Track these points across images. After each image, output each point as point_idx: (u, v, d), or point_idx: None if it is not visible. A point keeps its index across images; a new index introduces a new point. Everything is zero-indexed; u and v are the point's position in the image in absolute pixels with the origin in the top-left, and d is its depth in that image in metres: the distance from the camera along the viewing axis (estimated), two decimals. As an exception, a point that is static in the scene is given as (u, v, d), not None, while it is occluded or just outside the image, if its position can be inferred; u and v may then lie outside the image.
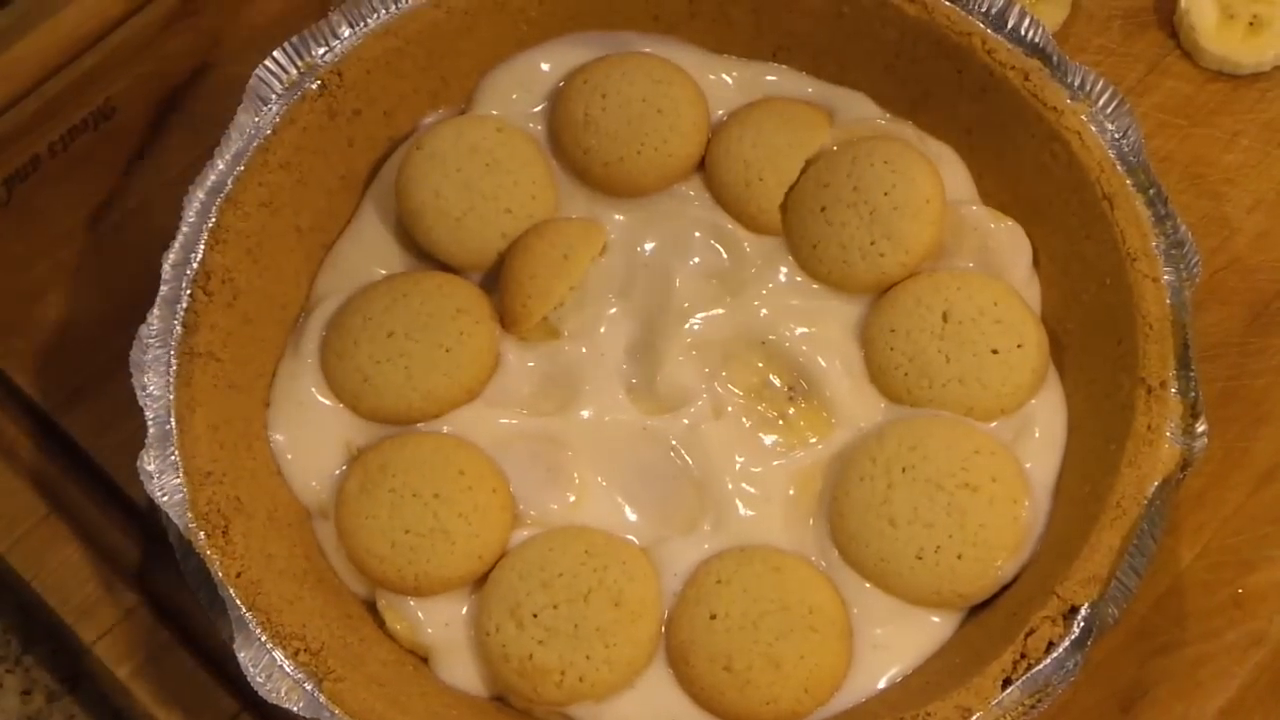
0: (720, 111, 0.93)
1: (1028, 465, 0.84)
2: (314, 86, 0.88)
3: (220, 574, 0.79)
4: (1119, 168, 0.86)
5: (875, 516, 0.83)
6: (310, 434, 0.86)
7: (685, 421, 0.86)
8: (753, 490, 0.85)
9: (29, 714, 0.92)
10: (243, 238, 0.85)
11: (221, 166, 0.86)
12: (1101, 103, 0.87)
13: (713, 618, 0.81)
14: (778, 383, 0.88)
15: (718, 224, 0.91)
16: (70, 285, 0.95)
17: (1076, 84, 0.87)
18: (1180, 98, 1.00)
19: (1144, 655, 0.85)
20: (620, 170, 0.91)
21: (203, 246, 0.84)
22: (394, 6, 0.90)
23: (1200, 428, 0.80)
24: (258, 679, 0.77)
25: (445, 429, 0.86)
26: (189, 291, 0.84)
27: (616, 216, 0.91)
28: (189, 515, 0.79)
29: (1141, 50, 1.01)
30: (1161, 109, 0.99)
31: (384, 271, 0.91)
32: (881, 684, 0.81)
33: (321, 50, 0.89)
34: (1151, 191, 0.85)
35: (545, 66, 0.93)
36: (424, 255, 0.91)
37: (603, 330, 0.88)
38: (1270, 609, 0.86)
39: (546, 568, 0.82)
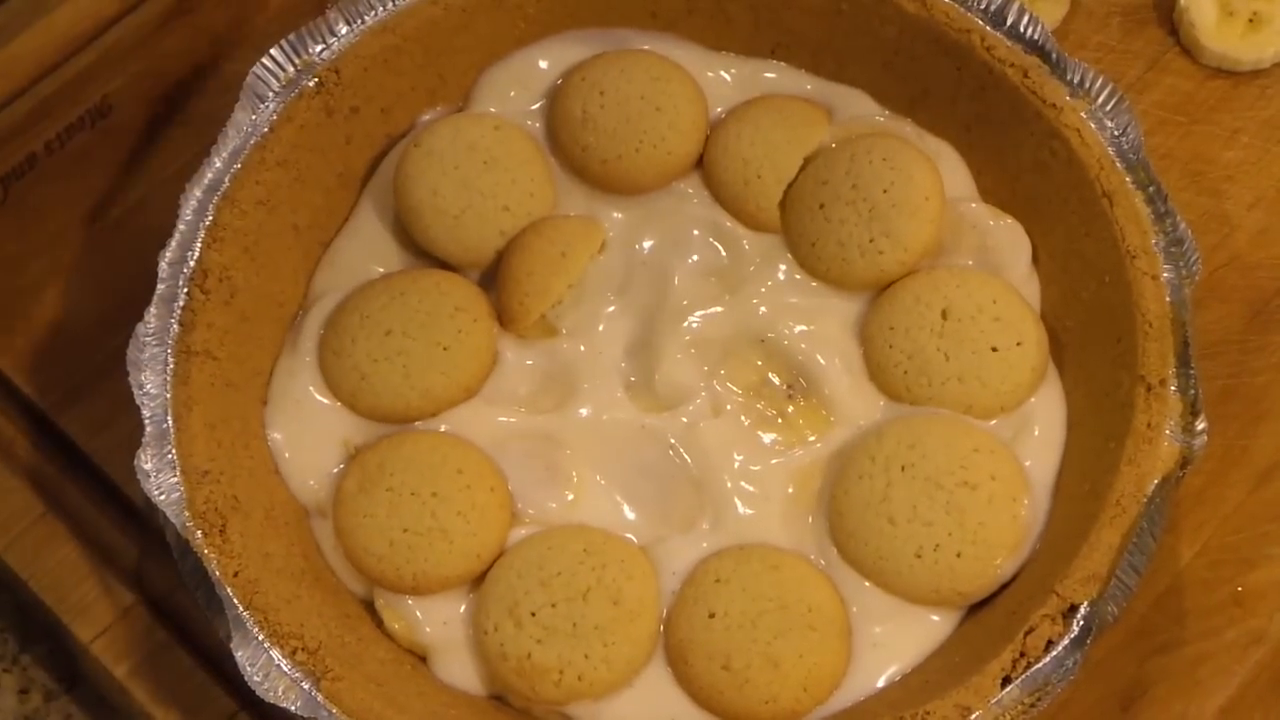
0: (719, 109, 0.93)
1: (1027, 463, 0.84)
2: (311, 84, 0.88)
3: (217, 573, 0.78)
4: (1118, 165, 0.85)
5: (874, 515, 0.82)
6: (308, 432, 0.86)
7: (684, 420, 0.86)
8: (751, 488, 0.85)
9: (26, 713, 0.92)
10: (240, 236, 0.85)
11: (219, 164, 0.86)
12: (1101, 100, 0.86)
13: (711, 616, 0.81)
14: (776, 381, 0.88)
15: (716, 221, 0.91)
16: (67, 283, 0.95)
17: (1076, 81, 0.87)
18: (1180, 95, 1.00)
19: (1144, 654, 0.85)
20: (618, 168, 0.90)
21: (200, 245, 0.84)
22: (391, 4, 0.90)
23: (1200, 425, 0.80)
24: (255, 678, 0.77)
25: (443, 427, 0.86)
26: (186, 290, 0.83)
27: (615, 214, 0.91)
28: (186, 514, 0.79)
29: (1141, 47, 1.01)
30: (1161, 106, 0.99)
31: (382, 269, 0.90)
32: (881, 682, 0.81)
33: (319, 48, 0.88)
34: (1151, 189, 0.85)
35: (543, 64, 0.93)
36: (422, 253, 0.90)
37: (601, 328, 0.88)
38: (1270, 607, 0.86)
39: (545, 566, 0.81)
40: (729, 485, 0.85)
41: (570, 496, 0.85)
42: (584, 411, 0.86)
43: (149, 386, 0.82)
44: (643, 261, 0.89)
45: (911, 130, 0.92)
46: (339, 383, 0.86)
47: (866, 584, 0.83)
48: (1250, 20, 1.00)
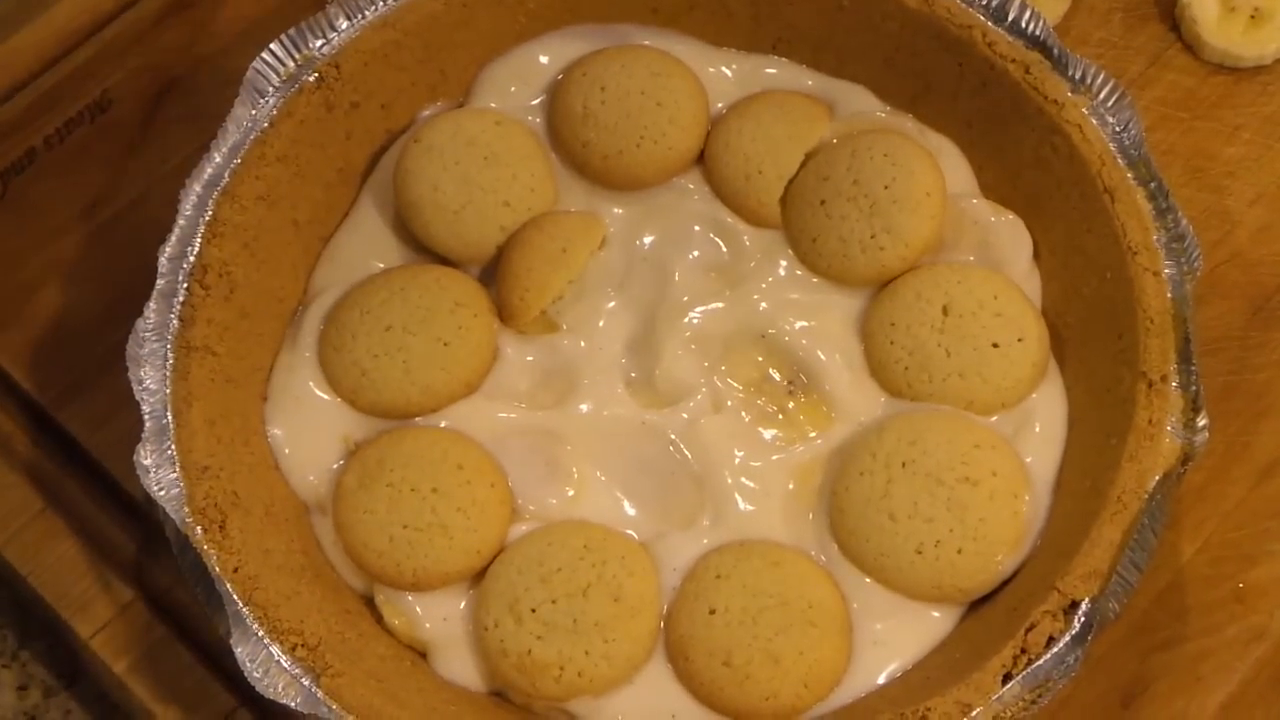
0: (719, 104, 0.93)
1: (1028, 460, 0.84)
2: (311, 79, 0.88)
3: (217, 569, 0.78)
4: (1120, 161, 0.85)
5: (875, 511, 0.82)
6: (308, 428, 0.86)
7: (684, 415, 0.86)
8: (752, 485, 0.85)
9: (26, 709, 0.92)
10: (240, 231, 0.85)
11: (218, 159, 0.86)
12: (1102, 96, 0.86)
13: (712, 613, 0.81)
14: (777, 377, 0.88)
15: (717, 217, 0.90)
16: (66, 279, 0.95)
17: (1077, 77, 0.87)
18: (1181, 91, 1.00)
19: (1145, 650, 0.85)
20: (619, 163, 0.90)
21: (199, 240, 0.84)
22: (392, -2, 0.90)
23: (1201, 422, 0.80)
24: (255, 674, 0.77)
25: (443, 423, 0.86)
26: (186, 285, 0.83)
27: (615, 210, 0.91)
28: (186, 510, 0.79)
29: (1143, 43, 1.01)
30: (1163, 102, 0.99)
31: (382, 265, 0.90)
32: (881, 679, 0.81)
33: (319, 43, 0.88)
34: (1153, 185, 0.85)
35: (544, 59, 0.93)
36: (422, 249, 0.90)
37: (601, 324, 0.88)
38: (1271, 604, 0.86)
39: (545, 563, 0.81)
40: (729, 481, 0.85)
41: (571, 492, 0.84)
42: (584, 407, 0.86)
43: (149, 382, 0.81)
44: (643, 257, 0.89)
45: (913, 126, 0.91)
46: (339, 378, 0.86)
47: (867, 580, 0.83)
48: (1252, 16, 1.00)
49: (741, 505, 0.84)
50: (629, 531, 0.84)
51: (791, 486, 0.85)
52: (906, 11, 0.89)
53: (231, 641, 0.77)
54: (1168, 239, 0.84)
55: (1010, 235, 0.89)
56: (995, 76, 0.88)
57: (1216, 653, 0.85)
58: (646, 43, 0.93)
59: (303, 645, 0.78)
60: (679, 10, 0.93)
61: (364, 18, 0.89)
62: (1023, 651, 0.77)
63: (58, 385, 0.92)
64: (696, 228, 0.90)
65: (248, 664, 0.77)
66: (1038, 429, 0.85)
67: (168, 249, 0.84)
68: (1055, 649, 0.76)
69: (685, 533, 0.84)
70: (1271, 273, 0.94)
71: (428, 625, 0.82)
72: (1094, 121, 0.86)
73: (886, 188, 0.87)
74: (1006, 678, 0.76)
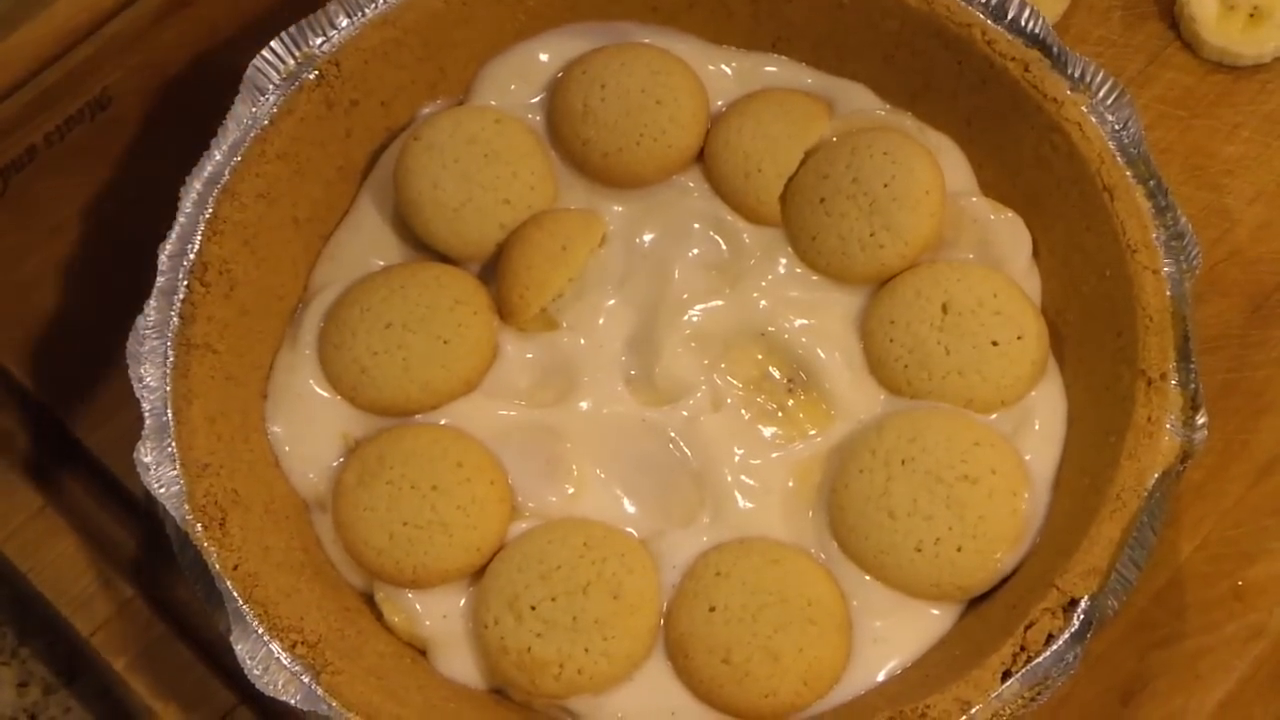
0: (719, 102, 0.93)
1: (1027, 457, 0.84)
2: (311, 77, 0.88)
3: (217, 566, 0.78)
4: (1119, 159, 0.85)
5: (874, 509, 0.82)
6: (308, 426, 0.86)
7: (684, 413, 0.86)
8: (752, 482, 0.85)
9: (25, 706, 0.92)
10: (240, 229, 0.85)
11: (218, 157, 0.86)
12: (1102, 94, 0.86)
13: (711, 610, 0.81)
14: (777, 374, 0.88)
15: (717, 215, 0.90)
16: (66, 276, 0.95)
17: (1077, 75, 0.87)
18: (1181, 89, 1.00)
19: (1144, 648, 0.85)
20: (619, 161, 0.90)
21: (200, 237, 0.84)
22: (392, -4, 0.90)
23: (1200, 420, 0.80)
24: (255, 671, 0.77)
25: (443, 421, 0.86)
26: (186, 283, 0.83)
27: (615, 207, 0.91)
28: (186, 507, 0.79)
29: (1142, 42, 1.01)
30: (1162, 100, 0.99)
31: (382, 262, 0.90)
32: (881, 677, 0.81)
33: (319, 40, 0.88)
34: (1152, 183, 0.85)
35: (544, 57, 0.93)
36: (422, 246, 0.90)
37: (601, 321, 0.88)
38: (1270, 601, 0.86)
39: (545, 560, 0.81)
40: (729, 479, 0.85)
41: (570, 490, 0.84)
42: (584, 405, 0.86)
43: (149, 379, 0.81)
44: (643, 255, 0.89)
45: (912, 124, 0.91)
46: (339, 376, 0.86)
47: (867, 578, 0.83)
48: (1251, 15, 1.00)
49: (741, 503, 0.84)
50: (629, 529, 0.84)
51: (791, 484, 0.85)
52: (906, 9, 0.89)
53: (231, 639, 0.77)
54: (1167, 237, 0.84)
55: (1009, 233, 0.89)
56: (994, 74, 0.88)
57: (1215, 650, 0.85)
58: (646, 41, 0.93)
59: (302, 642, 0.78)
60: (679, 8, 0.93)
61: (364, 15, 0.89)
62: (1022, 649, 0.77)
63: (58, 382, 0.92)
64: (696, 225, 0.90)
65: (247, 661, 0.77)
66: (1037, 426, 0.85)
67: (168, 246, 0.84)
68: (1054, 646, 0.77)
69: (685, 530, 0.84)
70: (1270, 271, 0.94)
71: (427, 622, 0.82)
72: (1093, 119, 0.86)
73: (886, 186, 0.88)
74: (1006, 675, 0.76)
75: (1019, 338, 0.85)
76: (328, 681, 0.77)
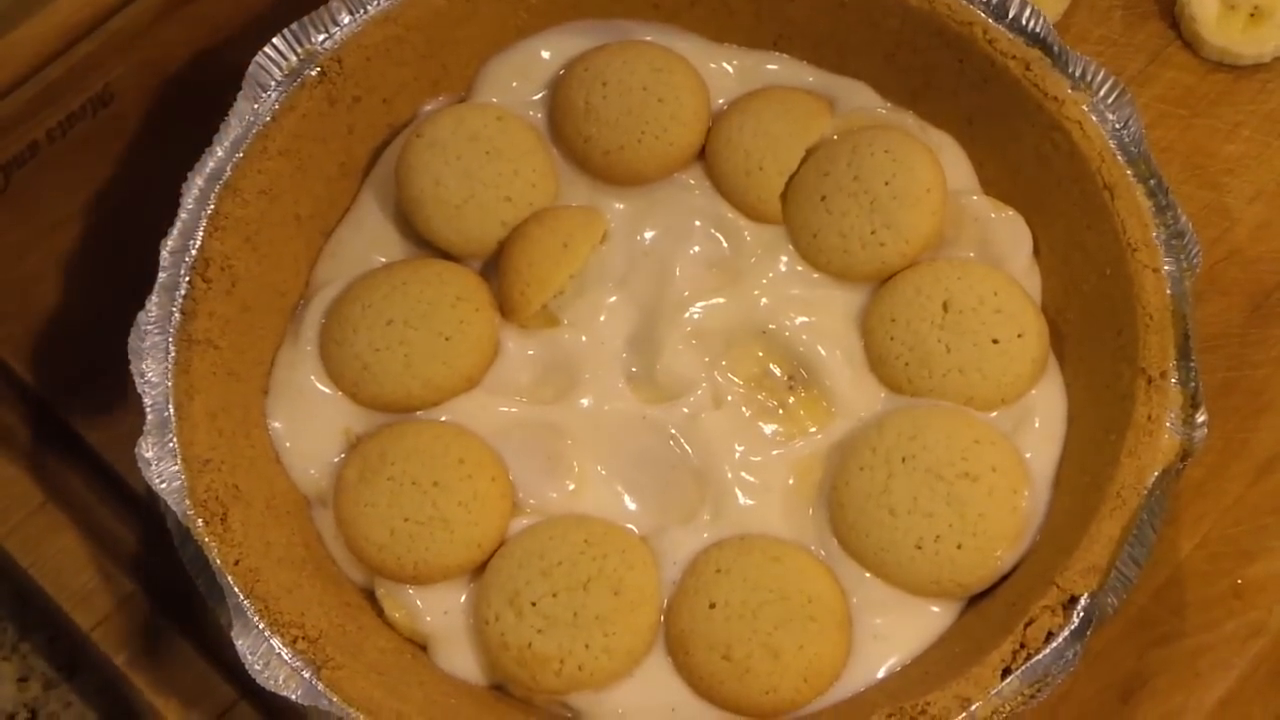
0: (721, 100, 0.93)
1: (1027, 455, 0.84)
2: (314, 73, 0.88)
3: (218, 561, 0.78)
4: (1120, 158, 0.85)
5: (875, 506, 0.82)
6: (309, 422, 0.86)
7: (685, 410, 0.86)
8: (752, 479, 0.85)
9: (25, 701, 0.92)
10: (242, 225, 0.85)
11: (220, 153, 0.86)
12: (1102, 93, 0.86)
13: (712, 607, 0.81)
14: (778, 372, 0.88)
15: (718, 213, 0.91)
16: (68, 272, 0.95)
17: (1077, 74, 0.87)
18: (1181, 88, 1.00)
19: (1143, 646, 0.86)
20: (621, 159, 0.90)
21: (202, 233, 0.84)
22: (394, -7, 0.90)
23: (1200, 418, 0.80)
24: (255, 666, 0.77)
25: (444, 417, 0.86)
26: (188, 278, 0.83)
27: (617, 205, 0.91)
28: (187, 502, 0.79)
29: (1143, 41, 1.01)
30: (1162, 99, 0.99)
31: (383, 259, 0.90)
32: (881, 673, 0.81)
33: (321, 37, 0.88)
34: (1152, 182, 0.85)
35: (546, 54, 0.93)
36: (424, 243, 0.90)
37: (602, 319, 0.88)
38: (1269, 599, 0.86)
39: (546, 556, 0.81)
40: (730, 476, 0.85)
41: (571, 486, 0.85)
42: (585, 402, 0.86)
43: (150, 375, 0.82)
44: (644, 252, 0.89)
45: (913, 122, 0.92)
46: (340, 372, 0.86)
47: (867, 575, 0.83)
48: (1251, 15, 1.00)
49: (742, 500, 0.84)
50: (629, 526, 0.84)
51: (791, 481, 0.85)
52: (907, 8, 0.89)
53: (232, 634, 0.77)
54: (1167, 236, 0.84)
55: (1010, 231, 0.89)
56: (996, 73, 0.88)
57: (1215, 648, 0.85)
58: (648, 38, 0.93)
59: (303, 638, 0.78)
60: (681, 6, 0.93)
61: (366, 12, 0.89)
62: (1022, 646, 0.77)
63: (59, 378, 0.92)
64: (697, 223, 0.90)
65: (248, 656, 0.77)
66: (1037, 424, 0.85)
67: (170, 242, 0.84)
68: (1054, 644, 0.77)
69: (685, 527, 0.84)
70: (1270, 270, 0.95)
71: (428, 618, 0.83)
72: (1094, 118, 0.86)
73: (887, 184, 0.88)
74: (1006, 672, 0.76)
75: (1019, 336, 0.86)
76: (328, 677, 0.77)
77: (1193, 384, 0.81)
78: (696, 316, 0.88)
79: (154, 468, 0.80)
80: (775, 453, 0.86)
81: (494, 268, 0.89)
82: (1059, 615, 0.77)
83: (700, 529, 0.84)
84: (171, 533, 0.80)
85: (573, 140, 0.91)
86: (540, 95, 0.93)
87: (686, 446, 0.86)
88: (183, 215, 0.84)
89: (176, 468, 0.80)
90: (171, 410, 0.81)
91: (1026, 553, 0.82)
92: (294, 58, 0.88)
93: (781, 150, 0.90)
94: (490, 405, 0.86)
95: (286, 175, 0.87)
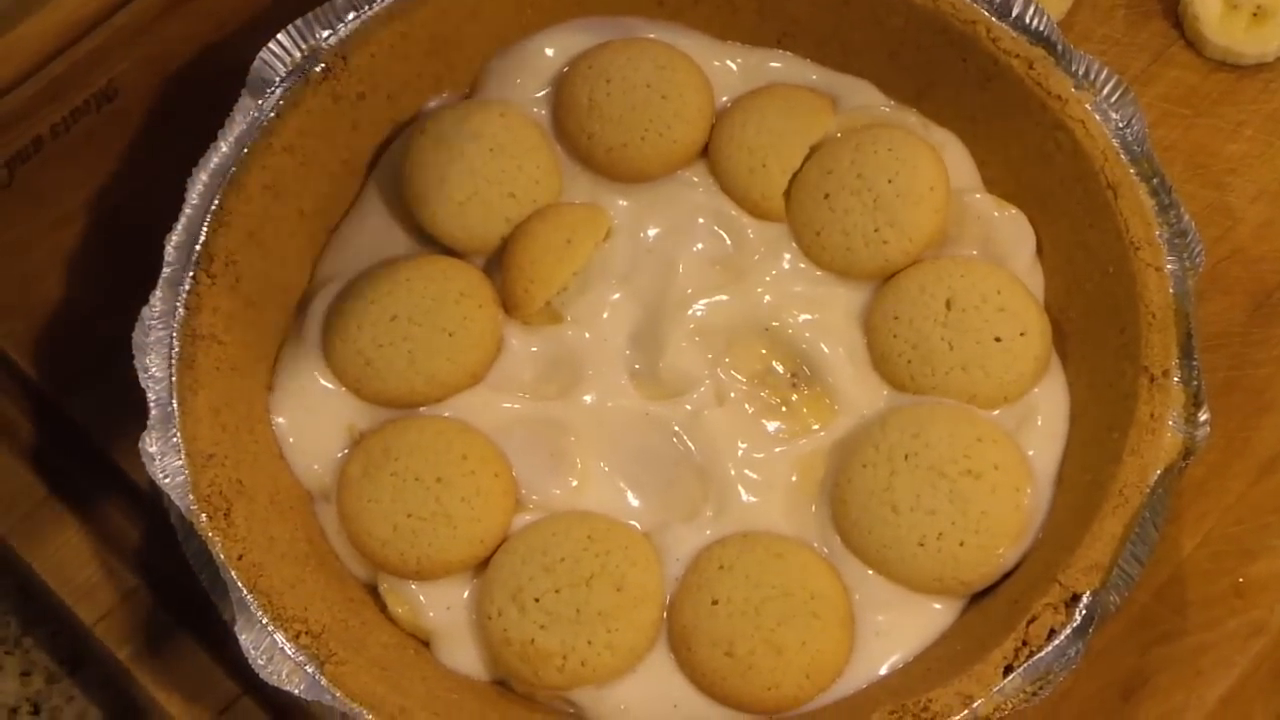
0: (724, 98, 0.93)
1: (1030, 453, 0.84)
2: (318, 70, 0.88)
3: (222, 556, 0.78)
4: (1123, 157, 0.86)
5: (877, 503, 0.83)
6: (312, 417, 0.86)
7: (688, 407, 0.86)
8: (755, 476, 0.85)
9: (29, 695, 0.92)
10: (246, 221, 0.85)
11: (225, 149, 0.86)
12: (1106, 92, 0.87)
13: (715, 603, 0.81)
14: (781, 369, 0.88)
15: (721, 210, 0.91)
16: (72, 267, 0.95)
17: (1081, 73, 0.87)
18: (1184, 88, 1.00)
19: (1145, 644, 0.86)
20: (624, 156, 0.90)
21: (206, 229, 0.84)
22: (398, -10, 0.90)
23: (1203, 416, 0.80)
24: (259, 661, 0.77)
25: (448, 413, 0.86)
26: (192, 274, 0.83)
27: (620, 202, 0.91)
28: (190, 497, 0.79)
29: (1146, 40, 1.01)
30: (1165, 99, 0.99)
31: (387, 255, 0.90)
32: (883, 670, 0.81)
33: (326, 33, 0.88)
34: (1155, 181, 0.85)
35: (549, 52, 0.93)
36: (427, 239, 0.90)
37: (606, 315, 0.88)
38: (1271, 598, 0.87)
39: (549, 552, 0.82)
40: (733, 473, 0.85)
41: (574, 483, 0.85)
42: (588, 398, 0.86)
43: (154, 370, 0.82)
44: (648, 249, 0.90)
45: (917, 121, 0.92)
46: (344, 368, 0.87)
47: (869, 572, 0.83)
48: (1254, 14, 1.00)
49: (744, 497, 0.84)
50: (632, 522, 0.84)
51: (794, 478, 0.85)
52: (911, 7, 0.89)
53: (235, 629, 0.77)
54: (1170, 235, 0.84)
55: (1013, 230, 0.89)
56: (999, 72, 0.88)
57: (1216, 647, 0.85)
58: (652, 36, 0.93)
59: (306, 633, 0.78)
60: (684, 4, 0.93)
61: (371, 9, 0.89)
62: (1024, 644, 0.77)
63: (63, 372, 0.92)
64: (701, 220, 0.90)
65: (251, 651, 0.77)
66: (1040, 423, 0.85)
67: (174, 237, 0.84)
68: (1056, 641, 0.77)
69: (688, 524, 0.84)
70: (1273, 269, 0.95)
71: (431, 614, 0.83)
72: (1097, 117, 0.86)
73: (890, 182, 0.88)
74: (1008, 670, 0.77)
75: (1022, 334, 0.86)
76: (331, 672, 0.77)
77: (1195, 382, 0.81)
78: (699, 313, 0.88)
79: (157, 463, 0.80)
80: (778, 450, 0.86)
81: (497, 264, 0.89)
82: (1061, 613, 0.77)
83: (703, 526, 0.84)
84: (175, 528, 0.80)
85: (576, 137, 0.91)
86: (544, 92, 0.93)
87: (689, 443, 0.86)
88: (187, 211, 0.84)
89: (180, 463, 0.80)
90: (175, 405, 0.81)
91: (1029, 550, 0.82)
92: (298, 54, 0.88)
93: (785, 148, 0.90)
94: (493, 401, 0.86)
95: (291, 171, 0.87)
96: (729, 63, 0.94)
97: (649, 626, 0.81)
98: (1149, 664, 0.85)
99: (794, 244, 0.90)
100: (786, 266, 0.89)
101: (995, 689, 0.76)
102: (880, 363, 0.87)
